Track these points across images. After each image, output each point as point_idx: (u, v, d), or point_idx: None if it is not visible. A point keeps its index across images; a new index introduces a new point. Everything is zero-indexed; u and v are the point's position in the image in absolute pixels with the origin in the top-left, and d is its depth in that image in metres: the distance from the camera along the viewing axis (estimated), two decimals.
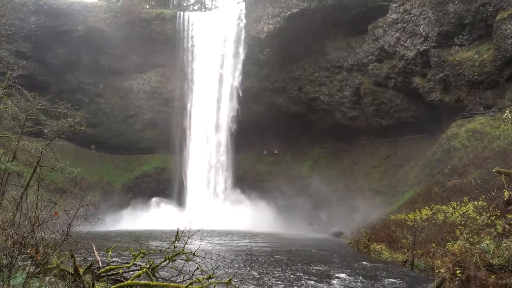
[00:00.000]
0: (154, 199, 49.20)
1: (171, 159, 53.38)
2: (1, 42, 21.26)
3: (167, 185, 52.38)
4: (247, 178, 50.92)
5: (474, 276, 11.40)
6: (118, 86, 54.02)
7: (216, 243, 21.51)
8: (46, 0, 49.68)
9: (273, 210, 43.49)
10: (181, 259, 10.93)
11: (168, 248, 11.23)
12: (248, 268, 13.43)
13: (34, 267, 8.53)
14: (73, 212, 9.45)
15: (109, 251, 12.14)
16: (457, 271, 11.85)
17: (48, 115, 23.24)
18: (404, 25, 38.19)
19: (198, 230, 11.50)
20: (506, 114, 28.47)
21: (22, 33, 37.98)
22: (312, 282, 13.29)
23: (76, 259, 9.95)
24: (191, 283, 9.83)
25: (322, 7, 42.72)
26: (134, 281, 9.79)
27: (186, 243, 10.89)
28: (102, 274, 10.52)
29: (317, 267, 16.12)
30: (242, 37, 48.45)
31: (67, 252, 10.08)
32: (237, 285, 10.11)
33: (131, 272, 11.05)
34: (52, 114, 21.65)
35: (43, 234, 8.99)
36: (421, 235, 16.85)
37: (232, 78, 49.23)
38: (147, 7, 59.28)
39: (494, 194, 17.59)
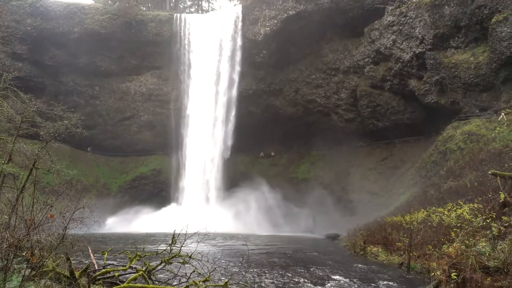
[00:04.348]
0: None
1: (167, 161, 53.28)
2: None
3: (163, 187, 52.27)
4: (243, 180, 50.77)
5: (469, 278, 11.42)
6: (114, 88, 53.95)
7: (213, 246, 21.48)
8: (42, 2, 49.65)
9: (269, 213, 43.43)
10: (178, 262, 10.86)
11: (164, 250, 11.19)
12: (244, 271, 13.41)
13: (29, 270, 8.50)
14: (69, 214, 9.40)
15: (105, 253, 12.06)
16: (453, 274, 11.87)
17: (44, 117, 23.24)
18: (400, 28, 38.35)
19: (195, 233, 11.46)
20: (501, 116, 28.63)
21: (18, 35, 37.91)
22: (308, 285, 13.30)
23: (72, 262, 9.91)
24: (187, 286, 9.80)
25: (318, 9, 42.89)
26: (130, 284, 9.75)
27: (182, 245, 10.84)
28: (98, 277, 10.46)
29: (313, 270, 16.11)
30: (239, 39, 48.51)
31: (62, 255, 10.03)
32: None
33: (127, 275, 10.99)
34: (48, 116, 21.65)
35: (38, 237, 8.94)
36: (417, 237, 16.87)
37: (229, 80, 49.22)
38: (144, 9, 59.24)
39: (489, 196, 17.63)
